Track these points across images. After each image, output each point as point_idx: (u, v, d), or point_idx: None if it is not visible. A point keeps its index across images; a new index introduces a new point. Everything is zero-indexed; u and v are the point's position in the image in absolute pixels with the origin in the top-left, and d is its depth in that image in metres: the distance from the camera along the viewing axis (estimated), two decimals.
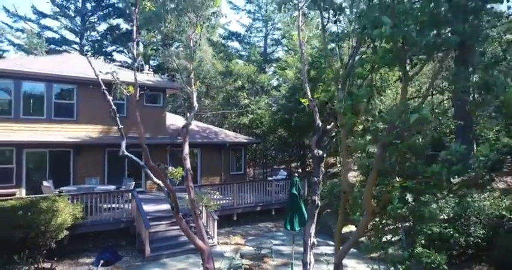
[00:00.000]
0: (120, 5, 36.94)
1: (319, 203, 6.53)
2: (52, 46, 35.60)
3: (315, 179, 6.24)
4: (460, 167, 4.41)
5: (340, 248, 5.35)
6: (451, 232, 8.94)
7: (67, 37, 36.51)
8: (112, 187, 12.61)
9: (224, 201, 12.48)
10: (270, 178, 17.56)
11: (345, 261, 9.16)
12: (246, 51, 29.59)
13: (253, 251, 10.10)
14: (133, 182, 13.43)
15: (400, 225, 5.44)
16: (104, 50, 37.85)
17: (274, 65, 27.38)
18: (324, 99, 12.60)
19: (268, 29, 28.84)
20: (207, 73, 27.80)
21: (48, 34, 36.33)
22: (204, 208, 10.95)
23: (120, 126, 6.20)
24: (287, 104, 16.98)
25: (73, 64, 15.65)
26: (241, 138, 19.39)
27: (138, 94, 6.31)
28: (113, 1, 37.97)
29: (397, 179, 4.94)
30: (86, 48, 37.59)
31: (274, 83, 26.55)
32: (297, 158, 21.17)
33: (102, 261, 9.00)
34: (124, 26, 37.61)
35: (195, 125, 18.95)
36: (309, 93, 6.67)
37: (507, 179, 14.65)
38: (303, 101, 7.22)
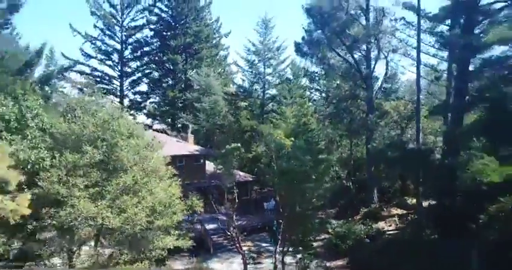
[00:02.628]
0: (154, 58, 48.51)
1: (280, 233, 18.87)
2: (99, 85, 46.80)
3: (279, 230, 18.52)
4: None
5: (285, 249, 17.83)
6: (340, 243, 21.51)
7: (108, 73, 47.27)
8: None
9: (241, 222, 24.96)
10: (265, 204, 29.83)
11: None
12: (248, 101, 41.53)
13: (256, 249, 22.62)
14: (196, 216, 25.83)
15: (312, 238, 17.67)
16: (139, 89, 49.66)
17: (271, 115, 39.18)
18: None
19: (266, 87, 40.70)
20: (218, 112, 40.10)
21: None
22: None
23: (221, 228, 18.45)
24: None
25: None
26: (249, 177, 31.70)
27: None
28: (146, 49, 49.42)
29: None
30: (125, 87, 49.05)
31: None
32: None
33: (194, 255, 21.51)
34: (155, 73, 49.51)
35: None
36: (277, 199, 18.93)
37: (391, 210, 27.16)
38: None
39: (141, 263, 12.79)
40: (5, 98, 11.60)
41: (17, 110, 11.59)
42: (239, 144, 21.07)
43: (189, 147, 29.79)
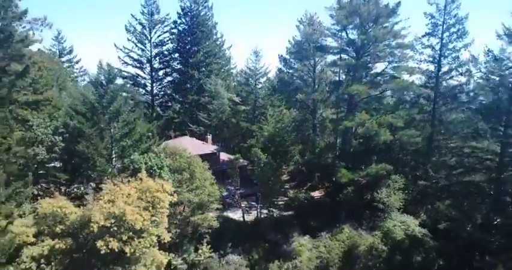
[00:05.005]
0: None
1: (260, 198, 39.72)
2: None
3: (258, 194, 39.18)
4: None
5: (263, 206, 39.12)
6: (291, 202, 42.65)
7: (141, 75, 65.74)
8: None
9: (240, 191, 46.01)
10: (254, 181, 50.49)
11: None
12: (244, 107, 61.05)
13: (248, 206, 43.90)
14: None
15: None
16: (166, 92, 68.54)
17: (260, 118, 58.73)
18: None
19: (256, 97, 60.00)
20: (224, 110, 60.06)
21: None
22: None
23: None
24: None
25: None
26: (245, 162, 52.11)
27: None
28: (169, 59, 67.58)
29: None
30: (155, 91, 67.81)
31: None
32: None
33: (216, 209, 42.70)
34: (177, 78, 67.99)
35: (226, 156, 51.60)
36: None
37: (325, 183, 48.13)
38: None
39: (204, 214, 33.91)
40: (153, 155, 31.84)
41: (159, 160, 31.83)
42: (239, 155, 41.42)
43: (210, 147, 50.10)
